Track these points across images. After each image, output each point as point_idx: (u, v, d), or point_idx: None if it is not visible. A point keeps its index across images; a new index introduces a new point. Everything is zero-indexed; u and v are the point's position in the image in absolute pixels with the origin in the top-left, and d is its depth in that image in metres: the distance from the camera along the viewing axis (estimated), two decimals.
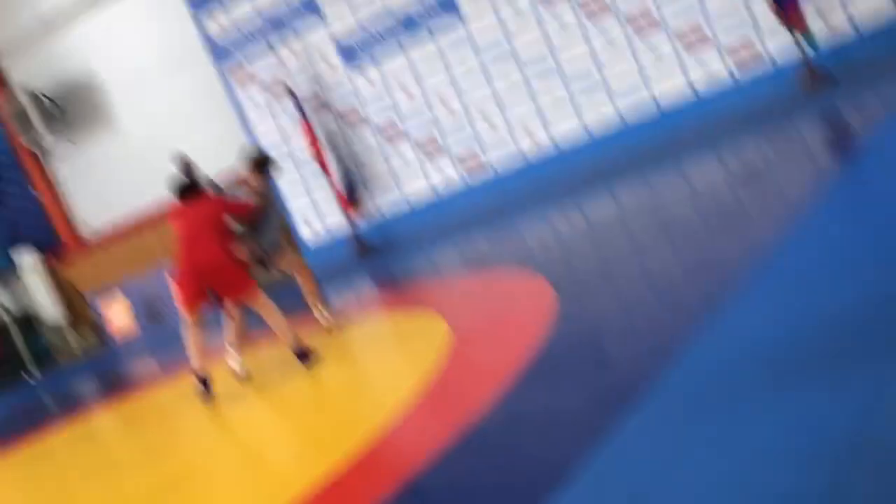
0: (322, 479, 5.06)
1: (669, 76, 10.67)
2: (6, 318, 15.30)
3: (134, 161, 15.09)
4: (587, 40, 10.93)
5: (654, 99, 10.80)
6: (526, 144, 11.54)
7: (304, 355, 7.68)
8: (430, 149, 12.05)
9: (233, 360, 8.21)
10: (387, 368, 7.06)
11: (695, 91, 10.61)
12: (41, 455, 9.30)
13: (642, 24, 10.64)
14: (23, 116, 14.96)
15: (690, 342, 4.65)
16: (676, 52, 10.57)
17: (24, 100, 14.86)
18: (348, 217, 12.48)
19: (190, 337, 7.96)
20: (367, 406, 6.18)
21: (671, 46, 10.58)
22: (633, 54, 10.75)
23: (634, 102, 10.89)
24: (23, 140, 15.25)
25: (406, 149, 12.19)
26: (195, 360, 7.94)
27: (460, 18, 11.45)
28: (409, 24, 11.73)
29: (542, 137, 11.43)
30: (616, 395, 4.44)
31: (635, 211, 8.30)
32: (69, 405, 11.66)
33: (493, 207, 11.40)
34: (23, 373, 15.34)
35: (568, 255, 7.80)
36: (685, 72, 10.59)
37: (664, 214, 7.70)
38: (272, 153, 12.71)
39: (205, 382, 7.89)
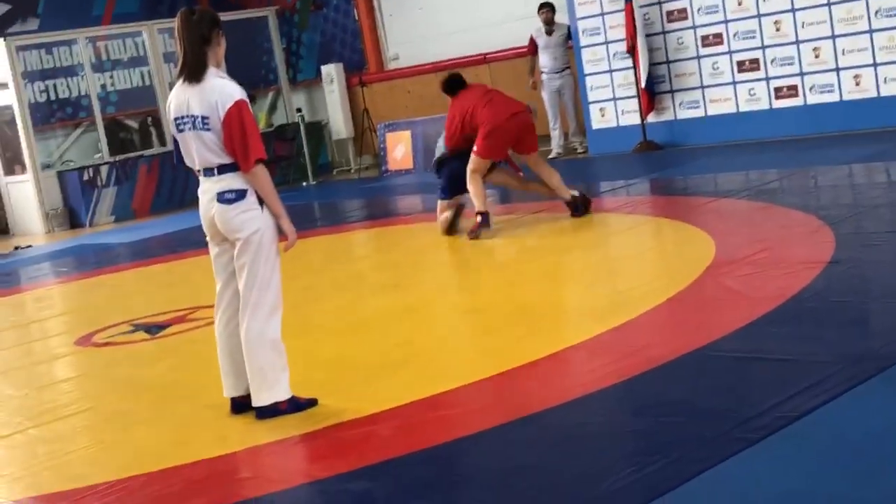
0: (542, 354, 5.07)
1: None
2: (300, 123, 16.00)
3: (453, 2, 15.27)
4: None
5: None
6: (849, 85, 10.86)
7: (577, 205, 8.55)
8: (748, 66, 11.54)
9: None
10: (638, 268, 6.95)
11: None
12: (291, 253, 9.78)
13: None
14: None
15: None
16: None
17: None
18: (643, 112, 12.23)
19: (474, 181, 8.54)
20: (607, 297, 6.10)
21: None
22: None
23: None
24: None
25: (723, 60, 11.72)
26: (479, 201, 8.50)
27: None
28: None
29: (869, 82, 10.71)
30: (866, 359, 4.17)
31: None
32: (331, 217, 12.18)
33: (797, 140, 10.86)
34: (300, 177, 16.12)
35: (859, 207, 7.33)
36: None
37: None
38: (585, 28, 12.62)
39: (485, 216, 8.45)
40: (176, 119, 4.70)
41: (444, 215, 8.83)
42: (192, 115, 4.63)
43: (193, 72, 4.65)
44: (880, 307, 4.97)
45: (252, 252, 4.66)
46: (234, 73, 14.91)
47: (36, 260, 12.08)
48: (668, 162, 11.23)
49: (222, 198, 4.64)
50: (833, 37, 10.88)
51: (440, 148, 9.35)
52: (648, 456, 3.59)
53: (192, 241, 10.19)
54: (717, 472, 3.37)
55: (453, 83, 8.98)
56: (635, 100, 12.33)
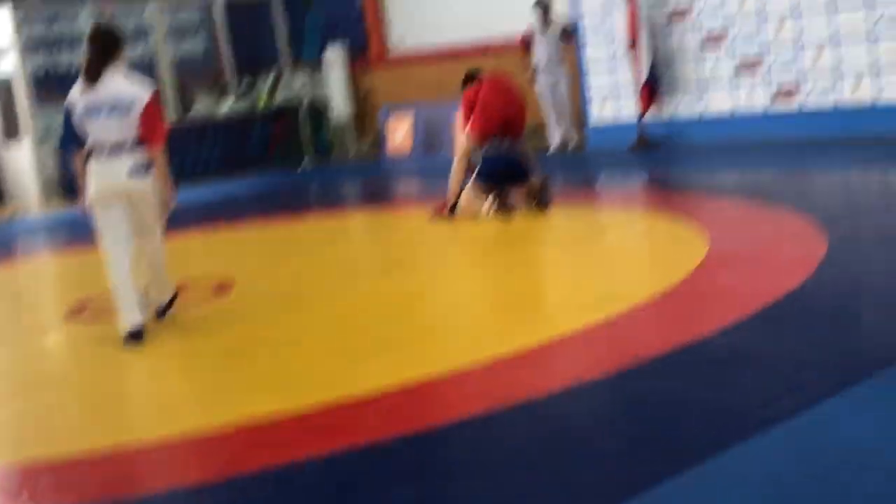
0: (528, 345, 5.13)
1: None
2: (301, 103, 16.02)
3: None
4: None
5: None
6: (849, 90, 10.92)
7: (545, 190, 8.75)
8: (748, 67, 11.60)
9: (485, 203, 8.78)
10: (631, 262, 7.01)
11: None
12: (285, 235, 9.86)
13: None
14: None
15: None
16: None
17: None
18: (641, 109, 12.29)
19: (459, 165, 8.89)
20: (598, 290, 6.16)
21: None
22: None
23: None
24: None
25: (723, 60, 11.78)
26: (454, 188, 8.83)
27: None
28: None
29: (868, 88, 10.78)
30: (856, 361, 4.24)
31: None
32: (328, 199, 12.23)
33: (793, 143, 10.94)
34: (298, 158, 16.15)
35: (853, 210, 7.40)
36: None
37: None
38: (588, 24, 12.65)
39: (454, 206, 8.85)
40: (89, 107, 5.83)
41: (479, 201, 8.83)
42: (114, 104, 5.81)
43: (94, 74, 5.84)
44: (871, 310, 5.03)
45: (151, 202, 6.01)
46: (239, 52, 15.03)
47: (31, 228, 12.12)
48: (665, 159, 11.29)
49: (136, 169, 5.89)
50: (834, 42, 10.94)
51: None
52: (635, 450, 3.65)
53: (196, 214, 10.29)
54: (703, 469, 3.40)
55: (470, 75, 9.29)
56: (634, 97, 12.38)
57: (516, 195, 8.95)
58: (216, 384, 5.15)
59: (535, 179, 8.90)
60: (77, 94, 5.91)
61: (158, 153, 5.93)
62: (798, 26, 11.16)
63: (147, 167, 5.93)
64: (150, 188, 5.97)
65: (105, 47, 5.88)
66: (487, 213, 8.70)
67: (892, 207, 7.36)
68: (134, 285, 5.99)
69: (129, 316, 5.92)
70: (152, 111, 5.87)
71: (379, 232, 9.85)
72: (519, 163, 8.89)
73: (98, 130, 5.86)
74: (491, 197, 8.76)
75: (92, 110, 5.84)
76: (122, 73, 5.93)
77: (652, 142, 12.32)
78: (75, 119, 5.92)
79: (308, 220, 10.60)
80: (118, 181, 5.90)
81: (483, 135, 8.90)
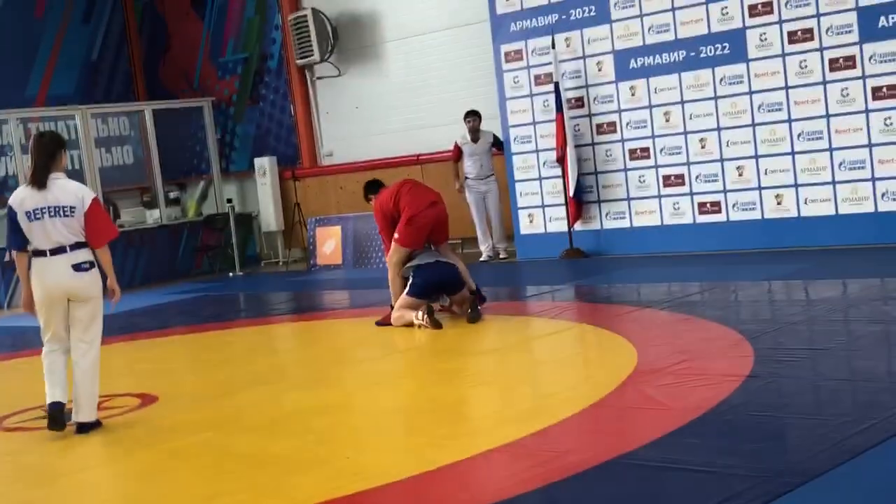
0: (455, 457, 5.04)
1: None
2: (230, 213, 15.97)
3: (388, 104, 15.50)
4: (868, 124, 10.44)
5: None
6: (771, 204, 11.16)
7: (481, 298, 9.00)
8: (674, 180, 11.83)
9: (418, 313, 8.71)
10: (561, 373, 6.98)
11: None
12: (213, 345, 9.71)
13: None
14: (303, 35, 15.56)
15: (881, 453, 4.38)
16: None
17: (310, 20, 15.44)
18: (570, 219, 12.43)
19: (393, 276, 9.02)
20: (529, 401, 6.12)
21: None
22: None
23: None
24: (296, 57, 15.87)
25: (649, 173, 12.00)
26: (395, 298, 8.98)
27: (746, 64, 11.13)
28: (692, 55, 11.50)
29: (790, 202, 11.03)
30: (782, 474, 4.23)
31: (865, 300, 7.88)
32: (256, 309, 12.10)
33: (720, 255, 11.11)
34: (227, 268, 16.02)
35: (778, 323, 7.48)
36: None
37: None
38: (517, 136, 12.85)
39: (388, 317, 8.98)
40: (34, 210, 6.18)
41: (411, 312, 8.74)
42: (57, 206, 6.17)
43: (41, 179, 6.21)
44: (797, 423, 5.04)
45: (93, 306, 6.32)
46: (168, 161, 15.08)
47: None
48: (594, 270, 11.38)
49: (79, 267, 6.22)
50: (756, 156, 11.22)
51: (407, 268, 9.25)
52: None
53: (122, 324, 10.08)
54: None
55: (372, 184, 9.59)
56: (563, 208, 12.53)
57: (449, 305, 8.96)
58: (136, 499, 4.96)
59: (466, 290, 8.91)
60: (21, 197, 6.26)
61: (105, 252, 6.36)
62: (721, 141, 11.44)
63: (89, 266, 6.26)
64: (92, 287, 6.28)
65: (49, 153, 6.27)
66: (420, 324, 8.65)
67: (815, 320, 7.46)
68: (63, 375, 6.28)
69: (53, 392, 6.25)
70: (97, 213, 6.26)
71: (306, 342, 9.74)
72: (451, 273, 8.90)
73: (43, 232, 6.20)
74: (423, 308, 8.72)
75: (37, 213, 6.18)
76: (63, 177, 6.32)
77: (581, 253, 12.43)
78: (20, 221, 6.23)
79: (236, 331, 10.46)
80: (61, 280, 6.22)
81: (412, 244, 8.93)
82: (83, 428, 6.31)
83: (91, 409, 6.34)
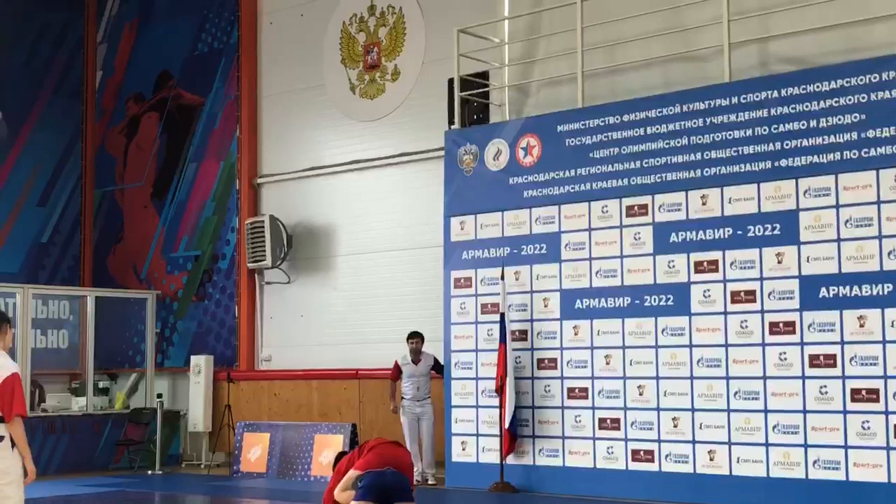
0: None
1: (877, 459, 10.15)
2: (157, 409, 15.65)
3: (333, 316, 15.54)
4: (804, 389, 10.58)
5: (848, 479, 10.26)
6: (703, 459, 11.13)
7: None
8: (609, 423, 11.80)
9: None
10: None
11: None
12: None
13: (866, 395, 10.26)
14: (258, 240, 15.73)
15: None
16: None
17: (267, 226, 15.64)
18: (503, 451, 12.28)
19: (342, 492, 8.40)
20: None
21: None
22: (845, 421, 10.32)
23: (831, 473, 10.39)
24: (248, 260, 15.98)
25: (586, 413, 11.98)
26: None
27: (689, 318, 11.34)
28: (636, 303, 11.72)
29: (723, 459, 11.00)
30: None
31: None
32: None
33: (651, 503, 11.01)
34: (147, 464, 15.56)
35: None
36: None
37: None
38: (458, 361, 12.86)
39: None
40: None
41: None
42: None
43: None
44: None
45: (3, 480, 6.40)
46: (103, 349, 14.88)
47: None
48: None
49: None
50: (693, 409, 11.26)
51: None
52: None
53: None
54: None
55: (341, 454, 9.19)
56: (497, 439, 12.41)
57: None
58: None
59: None
60: None
61: (15, 427, 6.44)
62: (658, 390, 11.50)
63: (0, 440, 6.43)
64: (1, 460, 6.43)
65: None
66: None
67: None
68: None
69: None
70: (9, 389, 6.44)
71: None
72: (400, 482, 8.58)
73: None
74: None
75: None
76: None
77: (511, 487, 12.22)
78: None
79: None
80: None
81: (369, 467, 8.59)
82: None
83: None
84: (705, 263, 11.33)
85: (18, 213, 17.63)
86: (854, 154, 10.52)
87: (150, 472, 15.31)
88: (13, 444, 6.46)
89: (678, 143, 11.62)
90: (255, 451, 14.80)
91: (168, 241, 17.59)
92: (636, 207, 11.85)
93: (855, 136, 10.51)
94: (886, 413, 10.12)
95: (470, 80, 13.52)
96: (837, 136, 10.63)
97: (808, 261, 10.69)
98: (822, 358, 10.53)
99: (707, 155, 11.41)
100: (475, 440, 12.83)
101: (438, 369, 13.27)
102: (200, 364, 16.29)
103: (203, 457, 16.14)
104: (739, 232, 11.13)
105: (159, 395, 16.22)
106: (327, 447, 14.01)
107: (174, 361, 17.18)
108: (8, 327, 6.74)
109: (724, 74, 11.42)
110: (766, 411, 10.81)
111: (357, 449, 9.01)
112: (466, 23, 13.55)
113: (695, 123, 11.53)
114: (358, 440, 13.76)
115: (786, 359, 10.73)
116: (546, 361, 12.39)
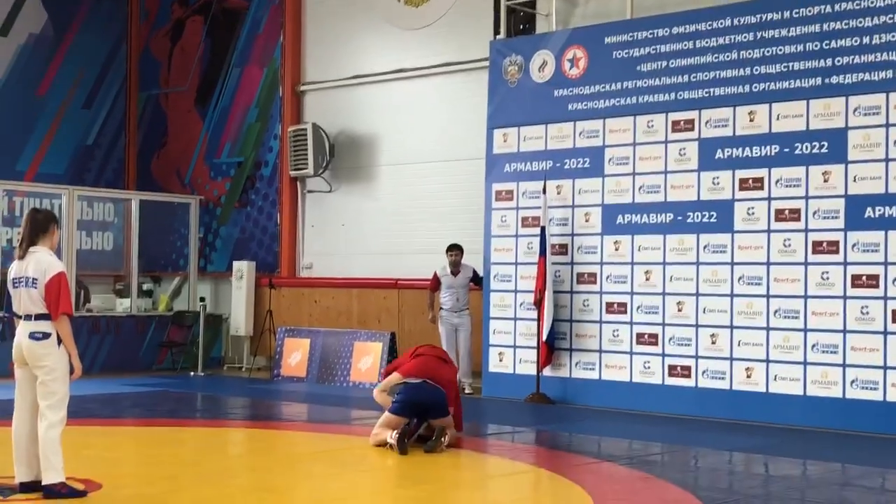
0: None
1: None
2: (200, 312, 15.89)
3: (374, 226, 15.59)
4: (844, 309, 10.53)
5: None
6: (740, 376, 11.17)
7: (439, 436, 8.66)
8: (647, 339, 11.84)
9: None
10: None
11: None
12: (164, 440, 9.52)
13: None
14: (300, 148, 15.74)
15: None
16: None
17: (309, 134, 15.64)
18: (540, 363, 12.38)
19: (380, 394, 9.18)
20: None
21: None
22: (885, 342, 10.28)
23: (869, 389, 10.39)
24: (290, 168, 16.02)
25: (624, 328, 12.03)
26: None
27: (731, 235, 11.28)
28: (679, 219, 11.65)
29: (760, 377, 11.03)
30: None
31: (825, 483, 7.82)
32: (212, 411, 11.91)
33: (686, 420, 11.05)
34: (190, 366, 15.85)
35: (736, 493, 7.40)
36: None
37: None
38: (498, 273, 12.91)
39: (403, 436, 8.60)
40: (14, 279, 6.66)
41: (387, 431, 8.65)
42: (26, 277, 6.59)
43: (24, 253, 6.66)
44: None
45: (45, 374, 6.52)
46: (147, 252, 15.17)
47: None
48: (558, 417, 11.29)
49: (33, 336, 6.54)
50: (731, 327, 11.27)
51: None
52: None
53: (76, 408, 9.81)
54: None
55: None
56: (535, 351, 12.50)
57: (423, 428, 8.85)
58: None
59: (442, 421, 8.74)
60: (11, 267, 6.76)
61: (61, 324, 6.55)
62: (698, 306, 11.50)
63: (41, 336, 6.54)
64: (45, 357, 6.53)
65: (34, 228, 6.70)
66: (391, 444, 8.53)
67: (773, 496, 7.38)
68: (27, 446, 6.58)
69: (19, 471, 6.61)
70: (54, 286, 6.53)
71: (259, 450, 9.55)
72: (435, 396, 8.78)
73: (18, 300, 6.65)
74: (400, 428, 8.60)
75: (16, 282, 6.65)
76: (43, 251, 6.68)
77: (547, 398, 12.34)
78: (8, 288, 6.74)
79: (189, 429, 10.27)
80: (20, 345, 6.61)
81: (409, 375, 8.88)
82: (48, 491, 6.48)
83: (49, 471, 6.49)
84: (750, 181, 11.23)
85: (63, 115, 17.74)
86: None
87: (192, 373, 15.62)
88: (59, 342, 6.58)
89: (727, 57, 11.45)
90: (295, 356, 15.02)
91: (211, 146, 17.66)
92: (682, 122, 11.73)
93: None
94: None
95: None
96: (890, 53, 10.44)
97: (854, 180, 10.57)
98: (864, 278, 10.47)
99: (756, 70, 11.25)
100: (512, 351, 12.93)
101: (477, 281, 13.32)
102: (242, 269, 16.46)
103: (244, 360, 16.41)
104: (786, 149, 11.00)
105: (202, 299, 16.46)
106: (366, 354, 14.20)
107: (217, 266, 17.37)
108: (56, 227, 6.82)
109: None
110: (805, 330, 10.79)
111: (409, 351, 9.24)
112: None
113: (745, 38, 11.34)
114: (396, 348, 13.92)
115: (828, 278, 10.68)
116: (585, 276, 12.40)
